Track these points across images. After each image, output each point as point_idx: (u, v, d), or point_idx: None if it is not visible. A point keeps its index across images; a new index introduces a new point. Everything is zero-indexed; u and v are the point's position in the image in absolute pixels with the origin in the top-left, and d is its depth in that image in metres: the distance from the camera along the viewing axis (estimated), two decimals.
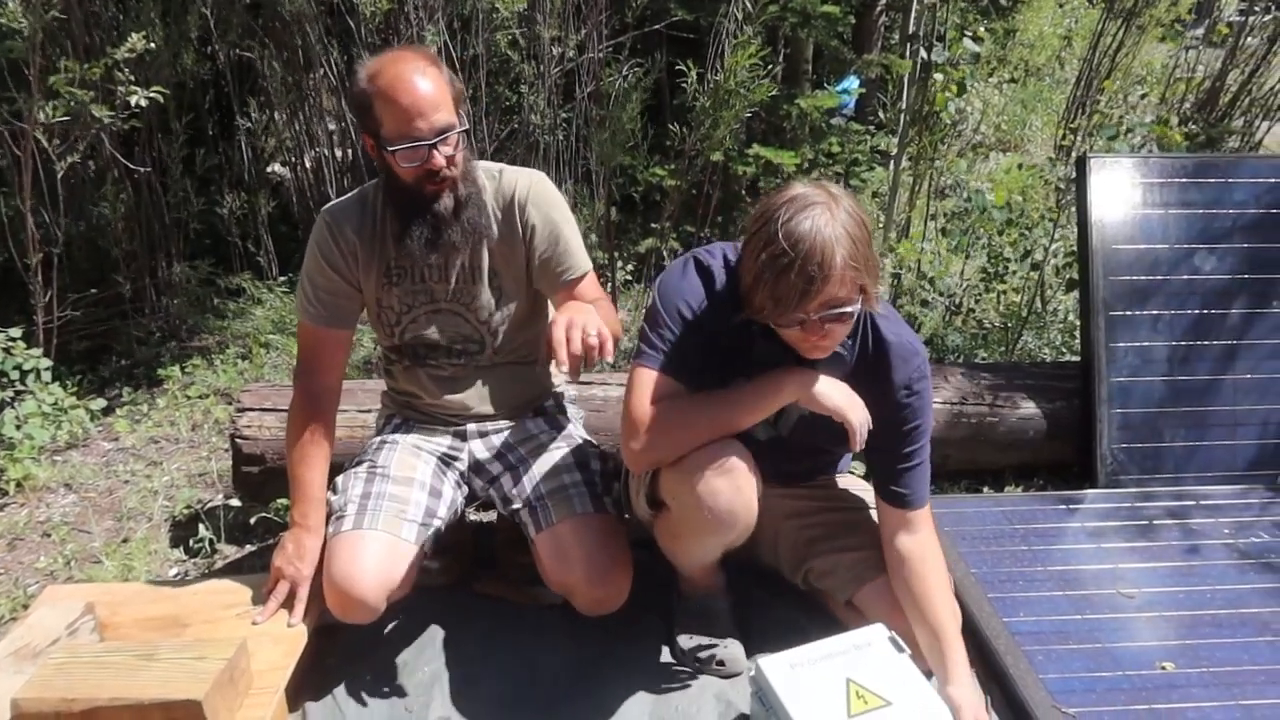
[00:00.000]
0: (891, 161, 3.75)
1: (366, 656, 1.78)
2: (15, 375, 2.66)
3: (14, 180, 2.81)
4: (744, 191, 4.23)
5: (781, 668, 1.48)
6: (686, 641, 1.78)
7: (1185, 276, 2.46)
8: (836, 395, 1.49)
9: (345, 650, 1.79)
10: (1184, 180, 2.52)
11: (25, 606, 2.02)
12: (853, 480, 2.00)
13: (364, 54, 3.08)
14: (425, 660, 1.79)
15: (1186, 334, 2.44)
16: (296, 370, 1.80)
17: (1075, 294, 2.91)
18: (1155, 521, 2.18)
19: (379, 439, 1.87)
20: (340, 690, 1.71)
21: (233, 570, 2.14)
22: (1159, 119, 3.77)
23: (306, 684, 1.70)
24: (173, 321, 3.48)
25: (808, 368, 1.49)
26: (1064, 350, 3.18)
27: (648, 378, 1.51)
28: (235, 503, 2.33)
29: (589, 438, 1.93)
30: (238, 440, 2.20)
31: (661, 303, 1.53)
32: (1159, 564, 2.03)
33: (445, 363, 1.82)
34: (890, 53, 4.30)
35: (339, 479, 1.78)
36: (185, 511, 2.41)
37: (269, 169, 4.08)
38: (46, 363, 2.72)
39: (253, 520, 2.28)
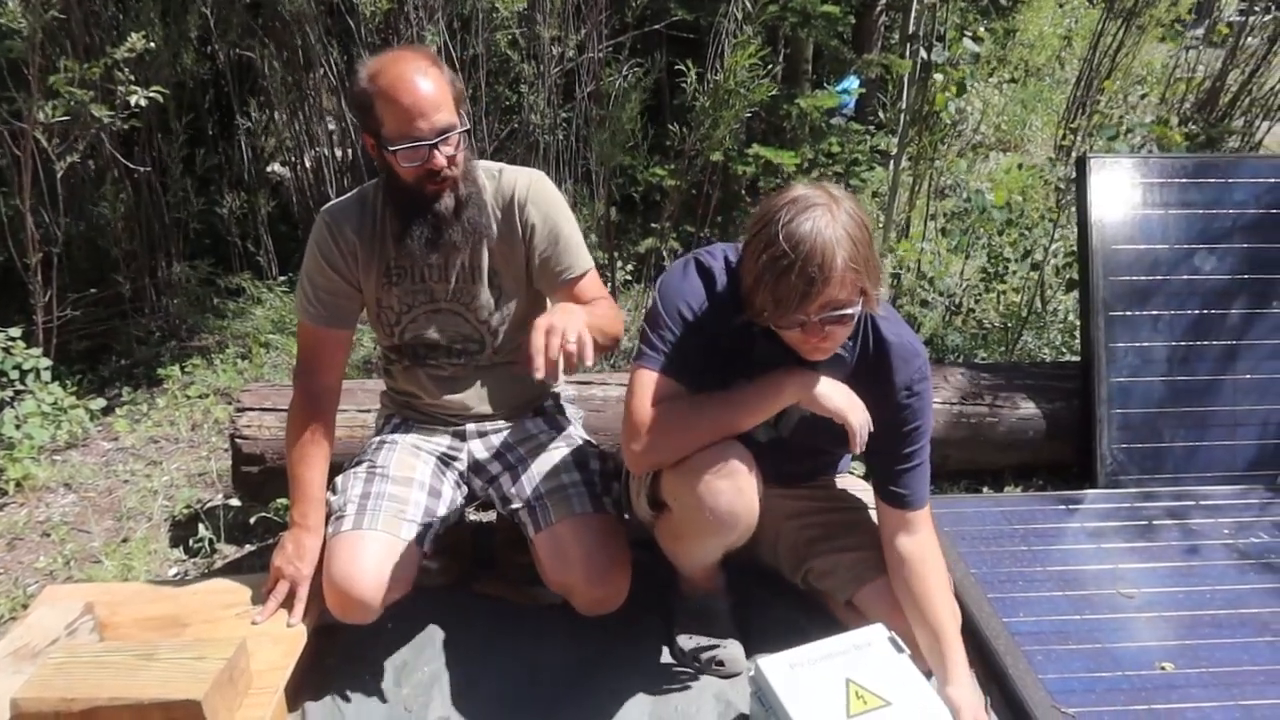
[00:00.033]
0: (891, 161, 3.75)
1: (366, 656, 1.78)
2: (15, 375, 2.66)
3: (14, 180, 2.80)
4: (744, 191, 4.23)
5: (781, 668, 1.48)
6: (686, 642, 1.78)
7: (1185, 277, 2.46)
8: (837, 397, 1.49)
9: (345, 650, 1.79)
10: (1184, 180, 2.52)
11: (25, 606, 2.02)
12: (852, 480, 2.00)
13: (364, 54, 3.08)
14: (425, 660, 1.79)
15: (1186, 334, 2.44)
16: (296, 370, 1.80)
17: (1075, 294, 2.92)
18: (1155, 522, 2.18)
19: (378, 439, 1.87)
20: (340, 690, 1.71)
21: (232, 570, 2.14)
22: (1159, 119, 3.77)
23: (306, 684, 1.70)
24: (172, 321, 3.48)
25: (809, 369, 1.49)
26: (1064, 350, 3.18)
27: (649, 379, 1.51)
28: (235, 502, 2.33)
29: (588, 438, 1.93)
30: (237, 440, 2.20)
31: (662, 304, 1.53)
32: (1159, 564, 2.03)
33: (445, 362, 1.82)
34: (890, 53, 4.29)
35: (338, 479, 1.78)
36: (185, 511, 2.41)
37: (269, 169, 4.08)
38: (46, 362, 2.72)
39: (252, 520, 2.28)
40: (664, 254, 3.59)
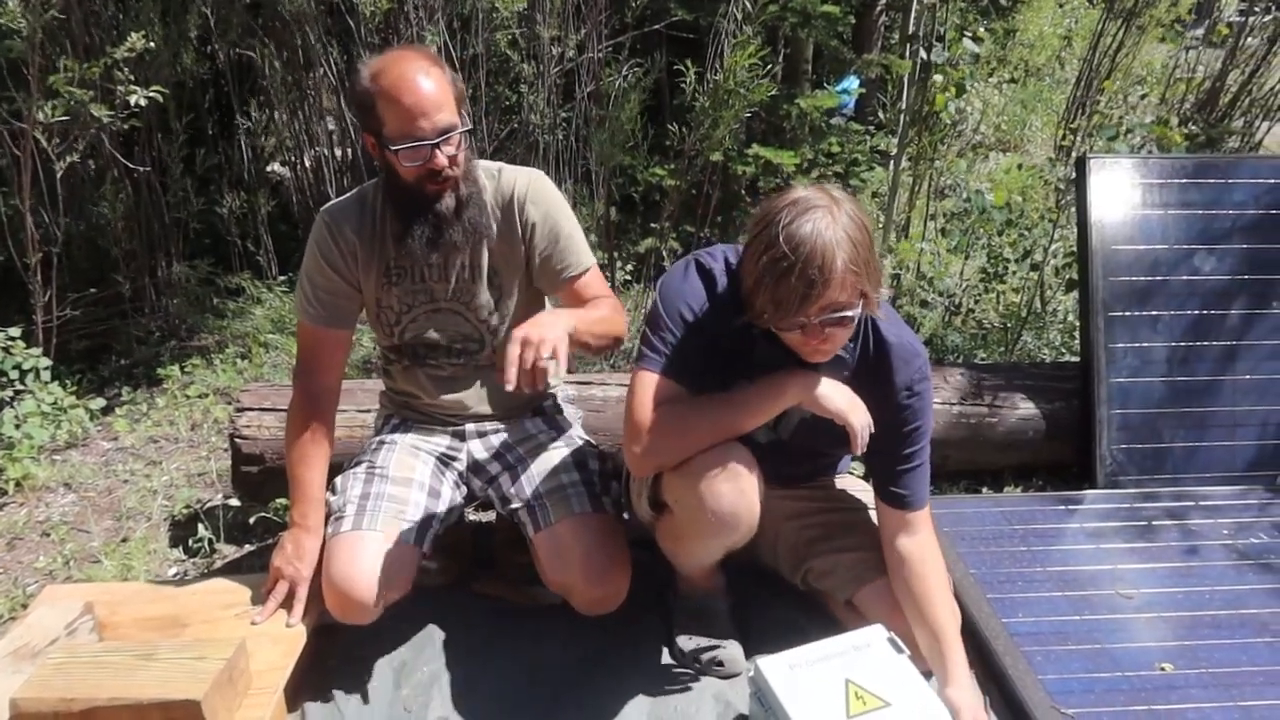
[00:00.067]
0: (891, 162, 3.75)
1: (366, 656, 1.78)
2: (15, 375, 2.66)
3: (13, 180, 2.80)
4: (743, 191, 4.23)
5: (780, 668, 1.48)
6: (686, 642, 1.78)
7: (1185, 277, 2.46)
8: (838, 398, 1.49)
9: (344, 650, 1.79)
10: (1184, 181, 2.52)
11: (24, 606, 2.02)
12: (852, 481, 2.00)
13: (364, 54, 3.08)
14: (424, 660, 1.79)
15: (1186, 335, 2.44)
16: (296, 370, 1.80)
17: (1075, 294, 2.92)
18: (1154, 522, 2.18)
19: (377, 439, 1.87)
20: (339, 690, 1.71)
21: (232, 570, 2.14)
22: (1159, 119, 3.76)
23: (306, 684, 1.70)
24: (172, 321, 3.48)
25: (810, 370, 1.49)
26: (1063, 351, 3.18)
27: (649, 381, 1.51)
28: (234, 502, 2.33)
29: (587, 438, 1.93)
30: (237, 440, 2.20)
31: (663, 305, 1.53)
32: (1158, 565, 2.03)
33: (445, 362, 1.82)
34: (890, 53, 4.29)
35: (338, 479, 1.78)
36: (184, 511, 2.41)
37: (269, 168, 4.08)
38: (46, 362, 2.72)
39: (252, 520, 2.28)
40: (664, 254, 3.59)
